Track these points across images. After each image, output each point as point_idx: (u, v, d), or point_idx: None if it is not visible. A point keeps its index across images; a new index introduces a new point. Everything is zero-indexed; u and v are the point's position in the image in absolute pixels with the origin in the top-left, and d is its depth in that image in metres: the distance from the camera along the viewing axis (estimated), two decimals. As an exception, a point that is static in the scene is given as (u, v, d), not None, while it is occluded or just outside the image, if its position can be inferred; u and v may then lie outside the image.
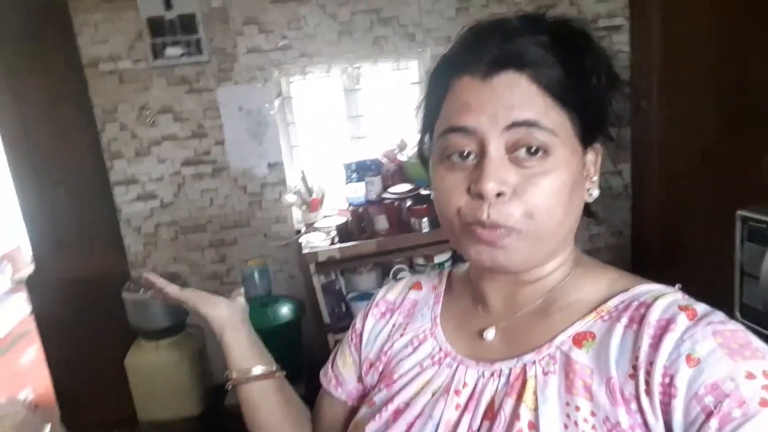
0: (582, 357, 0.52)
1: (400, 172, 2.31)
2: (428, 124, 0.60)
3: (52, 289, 2.36)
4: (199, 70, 2.26)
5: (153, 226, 2.41)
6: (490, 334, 0.60)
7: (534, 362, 0.54)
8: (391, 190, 2.24)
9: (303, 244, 2.16)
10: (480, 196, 0.51)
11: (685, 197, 2.28)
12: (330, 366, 0.76)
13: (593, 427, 0.48)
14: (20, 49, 2.16)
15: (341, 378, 0.74)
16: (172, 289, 0.78)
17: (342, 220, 2.21)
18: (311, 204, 2.33)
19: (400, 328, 0.69)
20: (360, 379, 0.72)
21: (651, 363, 0.47)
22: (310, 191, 2.35)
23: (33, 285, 2.39)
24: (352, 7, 2.30)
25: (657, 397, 0.46)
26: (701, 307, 0.51)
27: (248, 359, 0.76)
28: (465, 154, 0.53)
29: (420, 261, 2.29)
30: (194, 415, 2.26)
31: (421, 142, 0.63)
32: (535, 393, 0.52)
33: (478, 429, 0.54)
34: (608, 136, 0.59)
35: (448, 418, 0.56)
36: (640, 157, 2.47)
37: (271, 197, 2.43)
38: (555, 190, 0.52)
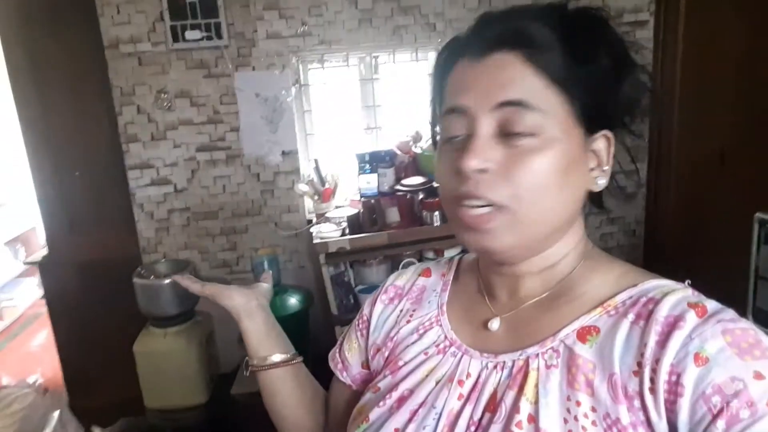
0: (585, 352, 0.51)
1: (414, 165, 2.27)
2: (435, 111, 0.61)
3: (64, 272, 2.38)
4: (217, 54, 2.25)
5: (166, 212, 2.41)
6: (494, 324, 0.60)
7: (537, 355, 0.54)
8: (404, 182, 2.21)
9: (314, 235, 2.14)
10: (461, 172, 0.52)
11: (702, 198, 2.23)
12: (338, 350, 0.77)
13: (593, 422, 0.48)
14: (41, 29, 2.17)
15: (347, 363, 0.75)
16: (197, 287, 0.83)
17: (353, 211, 2.18)
18: (323, 194, 2.30)
19: (407, 314, 0.69)
20: (364, 364, 0.73)
21: (657, 360, 0.46)
22: (323, 181, 2.33)
23: (45, 268, 2.40)
24: (373, -5, 2.28)
25: (662, 396, 0.45)
26: (711, 305, 0.49)
27: (265, 347, 0.78)
28: (460, 134, 0.54)
29: (430, 255, 2.25)
30: (200, 403, 2.26)
31: (433, 131, 0.63)
32: (536, 386, 0.52)
33: (480, 420, 0.54)
34: (623, 125, 0.57)
35: (451, 408, 0.56)
36: (657, 156, 2.42)
37: (284, 186, 2.41)
38: (544, 170, 0.51)
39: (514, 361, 0.55)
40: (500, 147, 0.51)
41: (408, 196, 2.17)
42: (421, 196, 2.15)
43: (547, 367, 0.52)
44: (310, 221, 2.40)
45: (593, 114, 0.53)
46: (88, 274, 2.39)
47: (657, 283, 0.53)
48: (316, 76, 2.46)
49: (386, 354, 0.68)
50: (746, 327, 0.47)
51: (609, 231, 2.61)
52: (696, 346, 0.45)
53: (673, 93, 2.26)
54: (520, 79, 0.51)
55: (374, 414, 0.60)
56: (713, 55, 2.09)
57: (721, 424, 0.42)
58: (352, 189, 2.37)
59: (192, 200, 2.40)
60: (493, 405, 0.54)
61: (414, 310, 0.68)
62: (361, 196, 2.23)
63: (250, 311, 0.79)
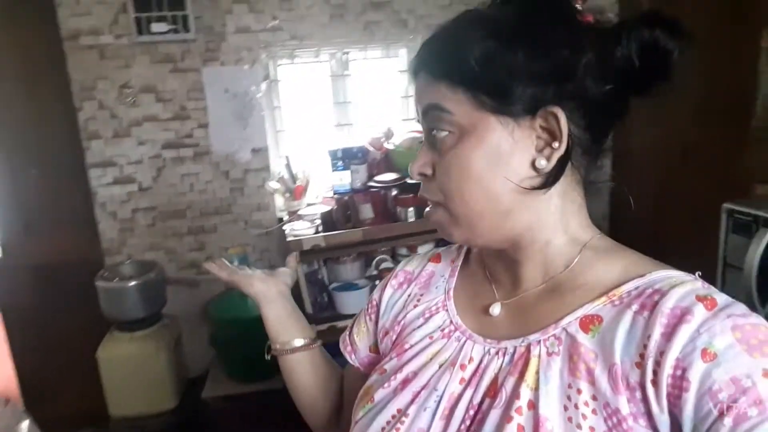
0: (587, 341, 0.51)
1: (387, 161, 2.26)
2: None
3: (20, 276, 2.26)
4: (184, 48, 2.19)
5: (130, 211, 2.32)
6: (495, 309, 0.61)
7: (539, 342, 0.54)
8: (377, 178, 2.19)
9: (287, 232, 2.10)
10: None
11: (666, 192, 2.29)
12: (348, 334, 0.79)
13: (593, 411, 0.48)
14: (-6, 19, 2.06)
15: (355, 346, 0.77)
16: (224, 274, 0.86)
17: (327, 208, 2.15)
18: (295, 191, 2.27)
19: (414, 298, 0.70)
20: (371, 348, 0.76)
21: (662, 353, 0.46)
22: (294, 178, 2.29)
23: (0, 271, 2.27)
24: (345, -10, 2.26)
25: (665, 389, 0.45)
26: (722, 298, 0.48)
27: (284, 332, 0.82)
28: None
29: (403, 251, 2.24)
30: (169, 408, 2.18)
31: None
32: (537, 373, 0.52)
33: (479, 404, 0.54)
34: (571, 96, 0.52)
35: (452, 391, 0.57)
36: (620, 150, 2.47)
37: (254, 184, 2.36)
38: (461, 163, 0.54)
39: (515, 348, 0.55)
40: (435, 152, 0.57)
41: (381, 193, 2.16)
42: (394, 192, 2.14)
43: (549, 354, 0.53)
44: (280, 219, 2.35)
45: (505, 98, 0.52)
46: (45, 278, 2.28)
47: (665, 274, 0.52)
48: (287, 71, 2.42)
49: (393, 337, 0.69)
50: (757, 323, 0.46)
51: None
52: (704, 341, 0.45)
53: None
54: (434, 88, 0.55)
55: (379, 395, 0.62)
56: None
57: (728, 421, 0.41)
58: (324, 186, 2.34)
59: (158, 199, 2.32)
60: (493, 390, 0.54)
61: (422, 295, 0.70)
62: (334, 193, 2.20)
63: (271, 298, 0.83)
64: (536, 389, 0.51)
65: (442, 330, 0.63)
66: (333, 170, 2.21)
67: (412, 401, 0.58)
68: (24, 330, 2.29)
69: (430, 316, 0.66)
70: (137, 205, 2.32)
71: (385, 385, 0.62)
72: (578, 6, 0.54)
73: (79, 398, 2.27)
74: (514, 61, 0.51)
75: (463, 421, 0.55)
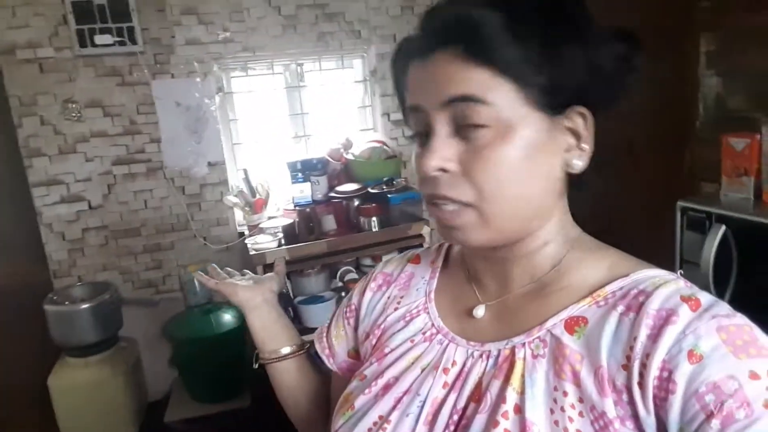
0: (573, 342, 0.50)
1: (347, 171, 2.26)
2: (403, 108, 0.60)
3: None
4: (132, 61, 2.11)
5: (79, 231, 2.22)
6: (479, 311, 0.59)
7: (524, 344, 0.53)
8: (338, 189, 2.18)
9: (249, 246, 2.06)
10: (425, 175, 0.52)
11: (616, 190, 2.36)
12: (324, 334, 0.77)
13: (580, 413, 0.47)
14: None
15: (333, 350, 0.75)
16: (211, 283, 0.85)
17: (288, 220, 2.12)
18: (255, 205, 2.23)
19: (394, 300, 0.68)
20: (350, 353, 0.73)
21: (648, 355, 0.45)
22: (253, 191, 2.25)
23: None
24: (297, 0, 2.24)
25: (651, 391, 0.44)
26: (705, 298, 0.48)
27: (269, 341, 0.81)
28: (423, 132, 0.53)
29: (367, 261, 2.24)
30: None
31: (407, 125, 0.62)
32: (522, 376, 0.51)
33: (464, 409, 0.53)
34: (602, 100, 0.53)
35: (435, 396, 0.55)
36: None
37: (212, 198, 2.30)
38: (503, 161, 0.49)
39: (500, 350, 0.54)
40: (458, 143, 0.51)
41: (344, 203, 2.15)
42: (356, 202, 2.13)
43: (534, 356, 0.52)
44: (241, 234, 2.30)
45: (555, 94, 0.50)
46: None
47: (649, 274, 0.52)
48: (241, 83, 2.37)
49: (374, 341, 0.67)
50: (741, 323, 0.46)
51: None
52: (690, 343, 0.44)
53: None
54: (466, 74, 0.49)
55: (359, 401, 0.59)
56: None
57: (715, 423, 0.41)
58: (284, 199, 2.31)
59: (110, 217, 2.23)
60: (478, 394, 0.53)
61: (402, 297, 0.68)
62: (295, 206, 2.17)
63: (256, 306, 0.81)
64: (522, 393, 0.50)
65: (424, 333, 0.62)
66: (293, 182, 2.18)
67: (394, 407, 0.57)
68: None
69: (411, 319, 0.64)
70: (87, 225, 2.22)
71: (366, 391, 0.60)
72: None
73: (30, 429, 2.15)
74: (571, 55, 0.49)
75: (447, 426, 0.53)
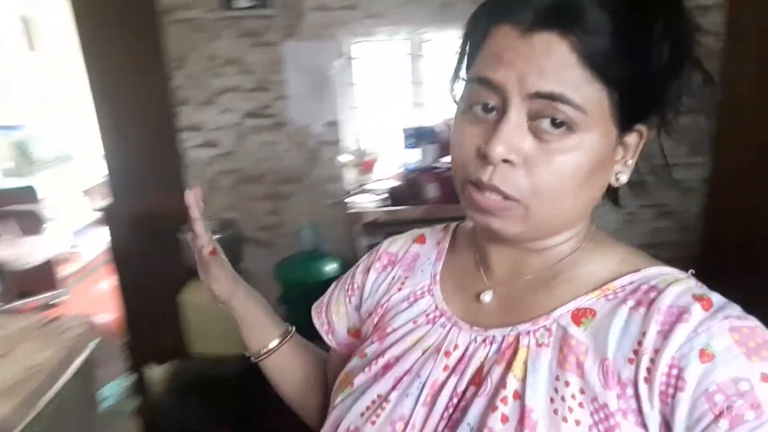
0: (579, 334, 0.50)
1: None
2: (460, 70, 0.56)
3: (125, 222, 2.53)
4: (266, 23, 2.28)
5: (213, 173, 2.50)
6: (486, 297, 0.58)
7: (529, 332, 0.52)
8: (445, 159, 2.23)
9: (351, 204, 2.20)
10: (485, 157, 0.48)
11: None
12: (324, 310, 0.75)
13: (580, 404, 0.47)
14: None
15: (333, 326, 0.73)
16: (203, 240, 0.70)
17: (394, 183, 2.23)
18: (365, 165, 2.35)
19: (399, 281, 0.67)
20: (351, 331, 0.72)
21: (657, 351, 0.45)
22: (364, 153, 2.37)
23: (109, 217, 2.56)
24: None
25: (657, 387, 0.44)
26: (716, 298, 0.47)
27: (258, 335, 0.75)
28: (488, 107, 0.50)
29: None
30: (242, 353, 2.40)
31: (451, 90, 0.58)
32: (525, 363, 0.51)
33: (463, 392, 0.53)
34: (662, 120, 0.52)
35: (435, 378, 0.55)
36: (721, 148, 2.27)
37: (327, 156, 2.47)
38: (570, 171, 0.48)
39: (504, 337, 0.54)
40: (529, 138, 0.48)
41: (449, 174, 2.20)
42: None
43: (538, 345, 0.51)
44: (351, 191, 2.46)
45: (634, 110, 0.49)
46: (143, 226, 2.53)
47: (660, 270, 0.52)
48: (363, 49, 2.46)
49: (375, 320, 0.66)
50: (753, 325, 0.45)
51: (663, 225, 2.53)
52: (702, 342, 0.44)
53: (741, 86, 2.11)
54: (564, 70, 0.46)
55: (359, 380, 0.60)
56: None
57: (723, 423, 0.41)
58: (394, 163, 2.41)
59: (238, 164, 2.49)
60: (478, 379, 0.53)
61: (406, 278, 0.66)
62: (404, 170, 2.27)
63: (241, 299, 0.73)
64: (523, 380, 0.50)
65: (427, 315, 0.61)
66: (405, 147, 2.27)
67: (393, 387, 0.56)
68: (128, 271, 2.59)
69: (415, 300, 0.63)
70: (219, 168, 2.49)
71: (366, 369, 0.60)
72: None
73: (169, 336, 2.55)
74: (668, 80, 0.49)
75: (446, 408, 0.53)
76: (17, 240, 3.33)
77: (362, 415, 0.56)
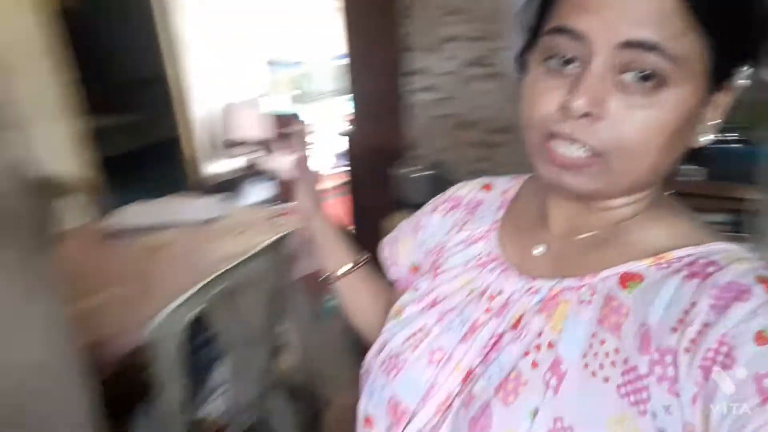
0: (623, 296, 0.49)
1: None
2: (537, 23, 0.54)
3: (360, 150, 2.91)
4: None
5: (432, 116, 2.68)
6: (539, 249, 0.59)
7: (573, 288, 0.53)
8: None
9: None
10: (566, 110, 0.47)
11: None
12: (391, 244, 0.80)
13: (612, 363, 0.47)
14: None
15: (397, 260, 0.78)
16: (297, 159, 0.80)
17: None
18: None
19: (459, 224, 0.70)
20: (411, 268, 0.75)
21: (707, 324, 0.43)
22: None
23: (350, 143, 2.98)
24: None
25: (699, 360, 0.42)
26: None
27: (331, 256, 0.81)
28: (567, 59, 0.48)
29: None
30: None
31: (529, 39, 0.55)
32: (564, 316, 0.51)
33: (501, 335, 0.54)
34: (755, 76, 0.48)
35: (476, 318, 0.57)
36: None
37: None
38: (656, 128, 0.45)
39: (549, 289, 0.54)
40: (615, 91, 0.46)
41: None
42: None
43: (580, 301, 0.51)
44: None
45: (728, 66, 0.46)
46: (371, 157, 2.87)
47: (725, 247, 0.48)
48: None
49: (432, 259, 0.69)
50: None
51: None
52: (760, 324, 0.41)
53: None
54: (662, 17, 0.42)
55: (408, 310, 0.63)
56: None
57: None
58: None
59: (456, 109, 2.61)
60: (517, 324, 0.54)
61: (466, 222, 0.69)
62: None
63: (318, 224, 0.81)
64: (560, 332, 0.50)
65: (479, 259, 0.63)
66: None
67: (437, 321, 0.59)
68: (360, 190, 3.00)
69: (471, 244, 0.65)
70: (439, 112, 2.66)
71: (416, 302, 0.63)
72: None
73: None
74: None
75: (483, 347, 0.55)
76: (287, 155, 4.09)
77: (405, 342, 0.60)
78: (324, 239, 0.81)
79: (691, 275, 0.47)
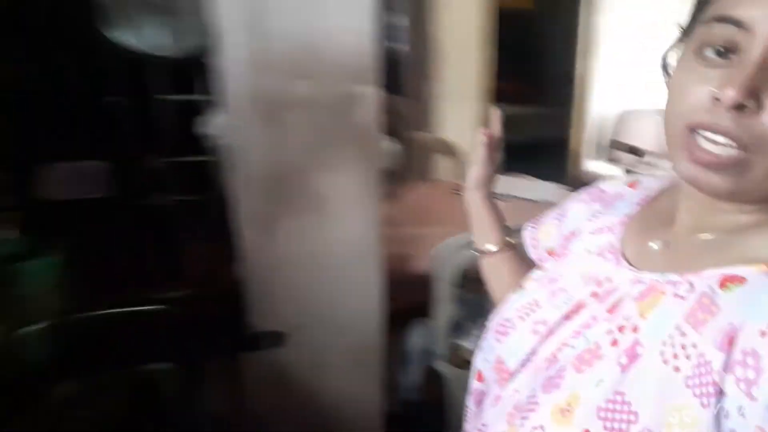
0: (719, 295, 0.48)
1: None
2: (693, 15, 0.53)
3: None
4: None
5: None
6: (656, 244, 0.60)
7: (674, 282, 0.53)
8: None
9: None
10: (718, 101, 0.45)
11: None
12: (535, 226, 0.85)
13: (687, 356, 0.47)
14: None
15: (538, 243, 0.83)
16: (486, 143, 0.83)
17: None
18: None
19: (594, 213, 0.72)
20: (549, 250, 0.79)
21: None
22: None
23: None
24: None
25: None
26: None
27: (479, 231, 0.86)
28: (724, 49, 0.47)
29: None
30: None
31: (688, 30, 0.54)
32: (655, 305, 0.52)
33: (596, 318, 0.58)
34: None
35: (581, 299, 0.61)
36: None
37: None
38: None
39: (651, 280, 0.55)
40: (762, 82, 0.44)
41: None
42: None
43: (675, 295, 0.52)
44: None
45: None
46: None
47: None
48: None
49: (564, 242, 0.74)
50: None
51: None
52: None
53: None
54: None
55: (529, 285, 0.69)
56: None
57: None
58: None
59: None
60: (612, 309, 0.57)
61: (601, 213, 0.71)
62: None
63: (477, 198, 0.85)
64: (646, 319, 0.52)
65: (600, 248, 0.65)
66: None
67: (548, 298, 0.64)
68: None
69: (598, 233, 0.67)
70: None
71: (536, 278, 0.69)
72: None
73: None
74: None
75: (582, 324, 0.58)
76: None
77: (517, 311, 0.66)
78: (477, 215, 0.87)
79: None
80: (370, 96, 1.52)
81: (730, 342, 0.44)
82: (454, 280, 1.56)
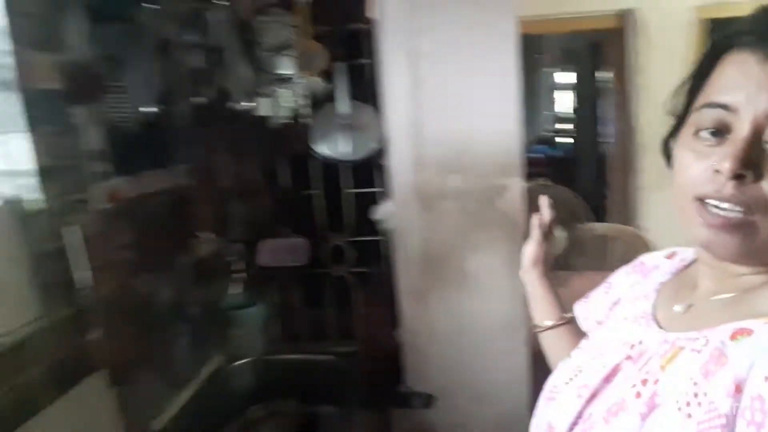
0: (729, 346, 0.51)
1: None
2: (687, 104, 0.59)
3: None
4: None
5: None
6: (678, 308, 0.64)
7: (692, 339, 0.56)
8: None
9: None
10: (718, 173, 0.51)
11: None
12: (586, 301, 0.88)
13: (699, 404, 0.49)
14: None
15: (587, 314, 0.86)
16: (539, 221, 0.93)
17: None
18: None
19: (633, 284, 0.78)
20: (597, 323, 0.82)
21: None
22: None
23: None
24: None
25: None
26: None
27: (536, 309, 0.93)
28: (717, 130, 0.53)
29: None
30: None
31: (672, 129, 0.61)
32: (674, 359, 0.56)
33: (627, 377, 0.61)
34: None
35: (618, 363, 0.64)
36: None
37: None
38: None
39: (674, 340, 0.58)
40: (764, 156, 0.50)
41: None
42: None
43: (692, 350, 0.54)
44: None
45: None
46: None
47: None
48: None
49: (608, 312, 0.78)
50: None
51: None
52: None
53: None
54: None
55: (574, 353, 0.73)
56: None
57: None
58: None
59: None
60: (642, 368, 0.60)
61: (639, 283, 0.76)
62: None
63: (533, 277, 0.92)
64: (666, 372, 0.55)
65: (635, 315, 0.68)
66: None
67: (589, 363, 0.67)
68: None
69: (634, 301, 0.71)
70: None
71: (582, 346, 0.73)
72: None
73: None
74: None
75: (618, 384, 0.62)
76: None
77: (564, 377, 0.70)
78: (534, 293, 0.94)
79: None
80: (515, 186, 1.71)
81: (737, 389, 0.47)
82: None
